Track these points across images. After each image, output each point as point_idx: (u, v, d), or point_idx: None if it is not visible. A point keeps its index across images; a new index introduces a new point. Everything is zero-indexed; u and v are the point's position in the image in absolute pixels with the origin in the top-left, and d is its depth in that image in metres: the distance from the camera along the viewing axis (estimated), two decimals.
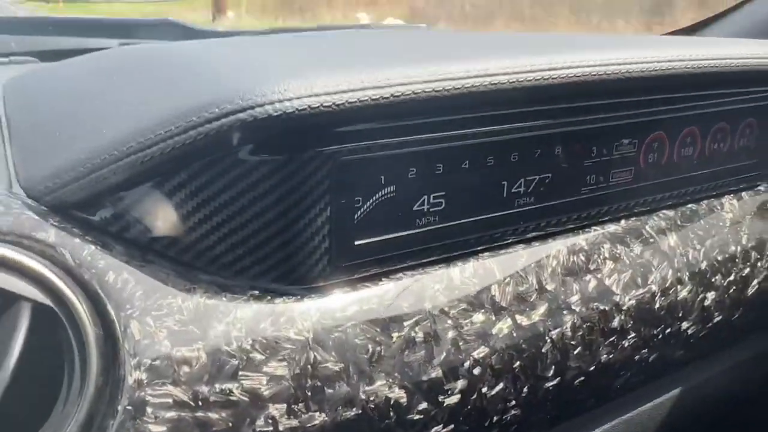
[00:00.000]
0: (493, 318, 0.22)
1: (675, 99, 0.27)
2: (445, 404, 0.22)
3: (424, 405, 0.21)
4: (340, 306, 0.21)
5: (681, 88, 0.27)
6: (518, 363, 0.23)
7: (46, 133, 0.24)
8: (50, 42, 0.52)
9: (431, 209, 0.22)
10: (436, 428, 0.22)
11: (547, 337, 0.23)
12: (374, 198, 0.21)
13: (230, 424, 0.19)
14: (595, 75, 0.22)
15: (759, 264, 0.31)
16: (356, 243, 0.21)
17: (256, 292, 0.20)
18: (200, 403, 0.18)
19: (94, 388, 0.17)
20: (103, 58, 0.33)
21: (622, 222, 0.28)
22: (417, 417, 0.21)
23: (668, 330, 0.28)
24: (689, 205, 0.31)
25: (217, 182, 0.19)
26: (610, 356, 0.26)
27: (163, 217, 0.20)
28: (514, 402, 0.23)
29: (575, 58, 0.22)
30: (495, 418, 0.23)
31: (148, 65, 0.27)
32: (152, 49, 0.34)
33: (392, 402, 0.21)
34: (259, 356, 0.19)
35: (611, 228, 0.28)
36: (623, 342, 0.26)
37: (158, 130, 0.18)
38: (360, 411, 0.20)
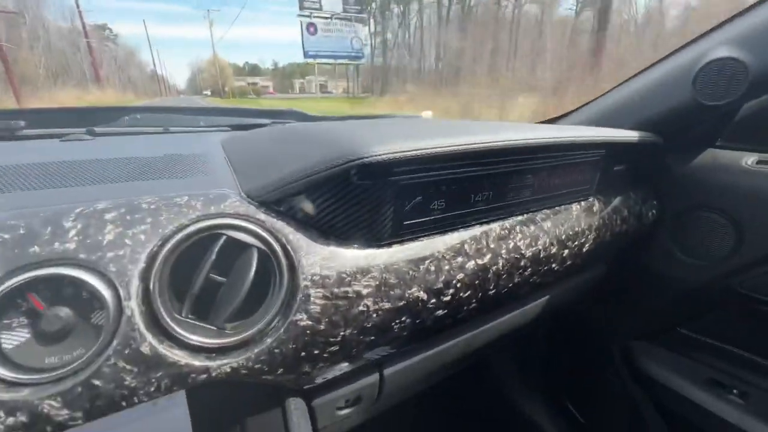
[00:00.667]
0: (465, 259, 0.45)
1: (550, 156, 0.50)
2: (443, 300, 0.43)
3: (433, 300, 0.43)
4: (396, 252, 0.41)
5: (551, 151, 0.50)
6: (477, 281, 0.45)
7: (252, 167, 0.42)
8: (233, 120, 0.84)
9: (438, 207, 0.43)
10: (438, 311, 0.44)
11: (490, 270, 0.46)
12: (413, 201, 0.41)
13: (347, 307, 0.38)
14: (503, 146, 0.43)
15: (588, 236, 0.58)
16: (404, 223, 0.41)
17: (356, 246, 0.40)
18: (333, 297, 0.37)
19: (286, 288, 0.35)
20: (272, 130, 0.59)
21: (526, 215, 0.52)
22: (430, 306, 0.43)
23: (546, 267, 0.53)
24: (556, 207, 0.55)
25: (340, 193, 0.38)
26: (519, 279, 0.50)
27: (313, 209, 0.38)
28: (474, 300, 0.46)
29: (500, 137, 0.44)
30: (465, 307, 0.46)
31: (303, 133, 0.47)
32: (302, 125, 0.57)
33: (419, 298, 0.42)
34: (359, 275, 0.39)
35: (520, 218, 0.51)
36: (525, 272, 0.51)
37: (311, 169, 0.36)
38: (405, 302, 0.41)
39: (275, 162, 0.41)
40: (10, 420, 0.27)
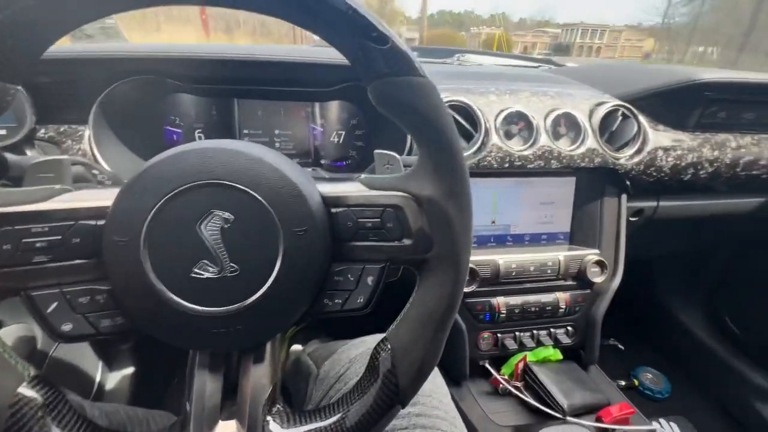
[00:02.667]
0: (727, 149, 0.76)
1: None
2: (711, 168, 0.76)
3: (707, 164, 0.76)
4: (694, 137, 0.75)
5: None
6: (730, 163, 0.76)
7: (606, 86, 0.78)
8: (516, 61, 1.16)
9: (720, 115, 0.75)
10: (704, 173, 0.77)
11: (740, 160, 0.77)
12: (709, 110, 0.74)
13: (669, 155, 0.75)
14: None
15: None
16: (701, 121, 0.75)
17: (670, 128, 0.75)
18: (662, 148, 0.74)
19: (641, 137, 0.73)
20: (587, 66, 0.97)
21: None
22: (704, 166, 0.77)
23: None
24: None
25: (675, 97, 0.73)
26: (755, 172, 0.79)
27: (656, 104, 0.74)
28: (725, 175, 0.78)
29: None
30: (720, 179, 0.78)
31: (629, 66, 0.88)
32: (617, 63, 1.01)
33: (699, 162, 0.76)
34: (675, 142, 0.74)
35: (765, 135, 0.79)
36: (761, 169, 0.79)
37: (667, 84, 0.72)
38: (694, 160, 0.76)
39: (622, 82, 0.77)
40: None
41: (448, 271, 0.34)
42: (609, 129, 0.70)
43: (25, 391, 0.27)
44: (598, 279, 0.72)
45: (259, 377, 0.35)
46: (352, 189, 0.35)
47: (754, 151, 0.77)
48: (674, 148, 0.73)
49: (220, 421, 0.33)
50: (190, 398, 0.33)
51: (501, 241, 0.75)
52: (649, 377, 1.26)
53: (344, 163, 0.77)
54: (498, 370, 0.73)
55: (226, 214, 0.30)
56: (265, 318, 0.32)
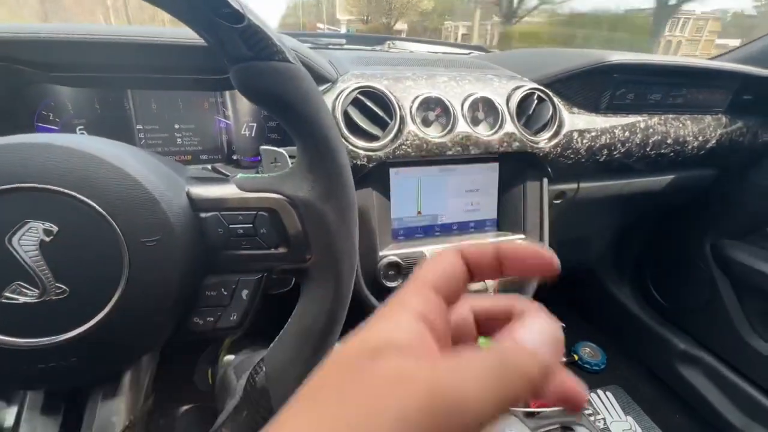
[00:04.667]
0: (636, 130, 0.79)
1: (700, 77, 0.81)
2: (623, 149, 0.79)
3: (618, 145, 0.79)
4: (606, 119, 0.77)
5: (701, 75, 0.81)
6: (640, 143, 0.80)
7: (523, 70, 0.79)
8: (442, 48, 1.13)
9: (629, 98, 0.77)
10: (617, 154, 0.80)
11: (650, 139, 0.80)
12: (618, 92, 0.76)
13: (593, 137, 0.76)
14: (680, 65, 0.76)
15: (712, 137, 0.87)
16: (613, 102, 0.77)
17: (585, 112, 0.76)
18: (579, 131, 0.75)
19: (557, 121, 0.74)
20: (508, 53, 0.95)
21: (675, 115, 0.84)
22: (616, 147, 0.79)
23: (680, 148, 0.85)
24: (696, 115, 0.85)
25: (586, 80, 0.74)
26: (663, 150, 0.83)
27: (568, 87, 0.75)
28: (637, 155, 0.81)
29: (682, 60, 0.76)
30: (632, 158, 0.81)
31: (546, 52, 0.87)
32: (534, 50, 0.99)
33: (612, 143, 0.78)
34: (589, 125, 0.76)
35: (672, 116, 0.83)
36: (667, 148, 0.83)
37: (579, 67, 0.72)
38: (607, 141, 0.78)
39: (540, 66, 0.78)
40: None
41: (329, 282, 0.32)
42: (526, 113, 0.70)
43: None
44: None
45: (107, 415, 0.30)
46: (223, 191, 0.31)
47: (660, 130, 0.81)
48: (588, 131, 0.74)
49: None
50: None
51: (429, 232, 0.73)
52: (587, 351, 1.32)
53: (259, 158, 0.71)
54: None
55: (47, 225, 0.25)
56: (111, 346, 0.27)
